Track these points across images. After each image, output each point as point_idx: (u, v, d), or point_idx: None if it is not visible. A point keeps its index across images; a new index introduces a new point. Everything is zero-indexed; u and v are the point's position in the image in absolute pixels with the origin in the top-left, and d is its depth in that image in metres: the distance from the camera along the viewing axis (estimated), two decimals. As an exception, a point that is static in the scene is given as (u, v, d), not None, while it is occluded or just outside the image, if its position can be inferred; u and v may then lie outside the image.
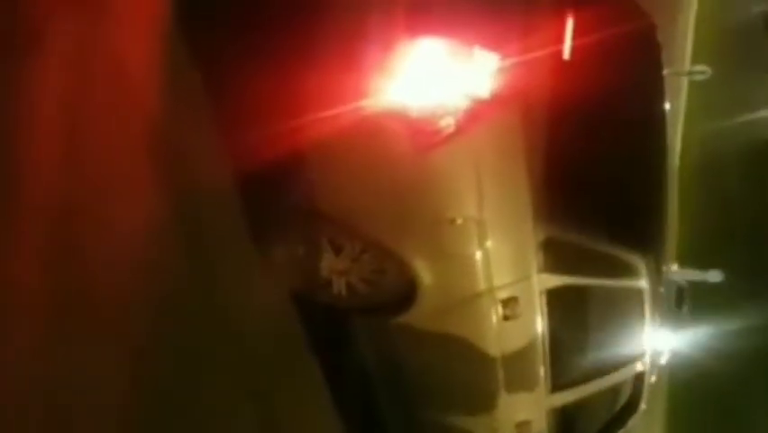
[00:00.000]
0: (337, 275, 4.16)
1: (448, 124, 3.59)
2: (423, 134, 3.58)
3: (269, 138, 3.73)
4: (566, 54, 3.82)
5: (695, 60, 12.65)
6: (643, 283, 4.47)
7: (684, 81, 12.66)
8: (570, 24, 3.87)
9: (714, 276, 9.85)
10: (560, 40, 3.84)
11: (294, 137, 3.70)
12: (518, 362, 4.36)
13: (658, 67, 4.72)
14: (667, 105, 4.84)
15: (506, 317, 4.15)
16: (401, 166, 3.69)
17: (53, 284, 3.11)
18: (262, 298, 4.28)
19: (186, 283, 3.77)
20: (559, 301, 4.23)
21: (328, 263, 4.12)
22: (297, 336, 4.50)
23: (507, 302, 4.12)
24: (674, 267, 6.58)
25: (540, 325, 4.25)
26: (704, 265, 10.02)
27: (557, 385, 4.52)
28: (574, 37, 3.87)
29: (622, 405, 5.08)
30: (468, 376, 4.44)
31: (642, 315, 4.61)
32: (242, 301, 4.12)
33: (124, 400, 3.31)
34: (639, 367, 4.91)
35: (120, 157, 3.47)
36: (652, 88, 4.70)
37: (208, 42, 3.75)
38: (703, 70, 10.76)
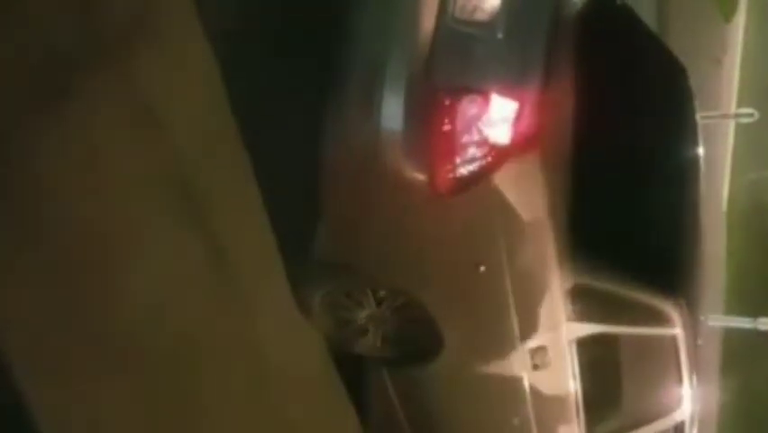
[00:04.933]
0: (374, 325, 4.14)
1: (468, 171, 3.56)
2: (443, 182, 3.55)
3: (308, 190, 3.74)
4: (590, 99, 3.76)
5: (741, 104, 12.50)
6: (677, 330, 4.36)
7: (731, 125, 12.50)
8: (594, 69, 3.82)
9: (764, 323, 9.64)
10: (583, 84, 3.79)
11: (327, 190, 3.74)
12: (550, 412, 4.27)
13: (690, 111, 4.64)
14: (701, 150, 4.74)
15: (535, 367, 4.08)
16: (422, 214, 3.67)
17: (74, 330, 3.15)
18: (298, 344, 4.29)
19: (218, 324, 3.79)
20: (590, 350, 4.14)
21: (367, 313, 4.12)
22: (332, 380, 4.51)
23: (536, 351, 4.05)
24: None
25: (571, 374, 4.16)
26: (753, 312, 9.82)
27: (593, 437, 4.41)
28: (599, 82, 3.82)
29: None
30: (498, 427, 4.36)
31: (678, 364, 4.48)
32: (277, 345, 4.13)
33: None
34: (678, 417, 4.76)
35: (148, 201, 3.51)
36: (683, 133, 4.62)
37: (243, 88, 3.80)
38: (750, 113, 10.64)
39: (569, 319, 4.03)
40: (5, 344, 2.93)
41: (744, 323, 9.92)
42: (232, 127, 3.83)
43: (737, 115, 11.83)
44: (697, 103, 4.73)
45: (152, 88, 3.48)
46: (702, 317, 4.84)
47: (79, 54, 3.20)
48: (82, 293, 3.18)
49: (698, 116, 4.79)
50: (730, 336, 10.78)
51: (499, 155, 3.54)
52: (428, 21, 3.55)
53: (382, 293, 4.03)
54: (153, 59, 3.47)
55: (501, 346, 4.03)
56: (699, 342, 4.62)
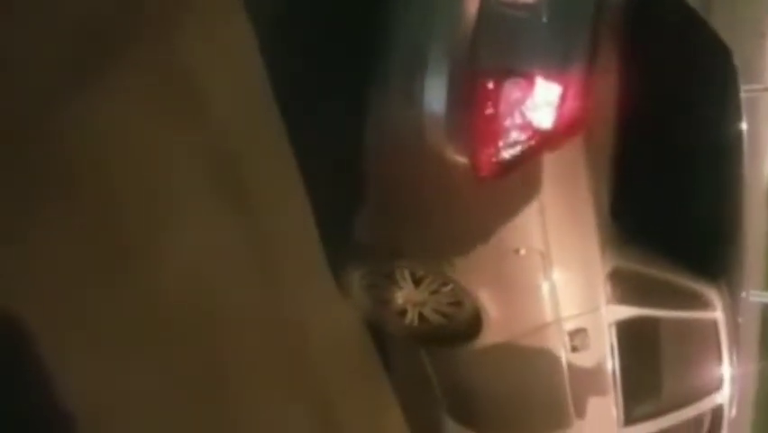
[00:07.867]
0: (412, 306, 4.16)
1: (511, 154, 3.55)
2: (485, 166, 3.54)
3: (350, 171, 3.75)
4: (633, 82, 3.72)
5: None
6: (717, 314, 4.34)
7: (774, 98, 12.29)
8: (638, 51, 3.78)
9: (804, 299, 9.56)
10: (627, 67, 3.75)
11: (369, 172, 3.75)
12: (589, 394, 4.29)
13: (734, 93, 4.57)
14: (744, 127, 4.68)
15: (574, 349, 4.08)
16: (464, 197, 3.66)
17: (117, 304, 3.19)
18: (333, 319, 4.34)
19: (255, 300, 3.82)
20: (629, 333, 4.14)
21: (405, 294, 4.13)
22: (369, 356, 4.55)
23: (575, 334, 4.05)
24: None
25: (610, 357, 4.17)
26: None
27: (630, 419, 4.42)
28: (643, 64, 3.78)
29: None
30: (537, 409, 4.39)
31: (717, 346, 4.47)
32: (315, 321, 4.17)
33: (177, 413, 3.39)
34: (717, 400, 4.75)
35: (188, 173, 3.54)
36: (727, 114, 4.56)
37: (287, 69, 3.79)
38: (793, 86, 10.46)
39: (609, 302, 4.02)
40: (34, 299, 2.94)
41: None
42: (272, 105, 3.84)
43: (780, 89, 11.68)
44: (741, 80, 4.67)
45: (194, 61, 3.49)
46: (743, 294, 4.80)
47: (121, 26, 3.21)
48: (117, 260, 3.20)
49: (742, 94, 4.73)
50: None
51: (543, 139, 3.51)
52: (472, 3, 3.53)
53: (420, 273, 4.04)
54: (195, 32, 3.48)
55: (540, 329, 4.03)
56: (740, 319, 4.59)
